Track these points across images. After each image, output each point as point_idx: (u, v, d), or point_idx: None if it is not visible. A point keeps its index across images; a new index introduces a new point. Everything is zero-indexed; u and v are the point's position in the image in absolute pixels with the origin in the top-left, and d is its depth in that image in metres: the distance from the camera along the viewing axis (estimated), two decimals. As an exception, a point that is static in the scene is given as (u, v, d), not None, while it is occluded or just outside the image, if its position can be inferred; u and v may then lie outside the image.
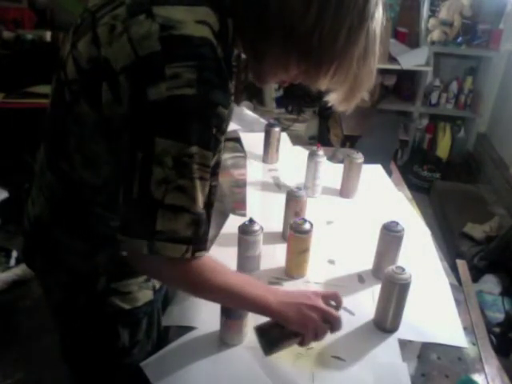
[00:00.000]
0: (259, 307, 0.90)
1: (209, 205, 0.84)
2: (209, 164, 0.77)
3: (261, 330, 0.92)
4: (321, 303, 0.92)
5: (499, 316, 2.14)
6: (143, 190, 0.74)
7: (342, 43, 0.76)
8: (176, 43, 0.72)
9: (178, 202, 0.75)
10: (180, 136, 0.73)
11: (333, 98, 0.88)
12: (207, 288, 0.85)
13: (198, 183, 0.76)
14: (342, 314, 0.94)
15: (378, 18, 0.79)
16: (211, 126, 0.75)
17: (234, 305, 0.96)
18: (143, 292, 0.99)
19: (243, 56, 0.91)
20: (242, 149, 1.92)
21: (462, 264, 1.44)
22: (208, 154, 0.76)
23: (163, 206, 0.74)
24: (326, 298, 0.95)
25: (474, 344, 1.11)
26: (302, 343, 0.93)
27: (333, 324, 0.92)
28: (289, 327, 0.90)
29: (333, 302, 0.96)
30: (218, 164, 0.88)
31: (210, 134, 0.76)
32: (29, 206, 0.99)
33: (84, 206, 0.89)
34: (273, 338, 0.91)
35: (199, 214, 0.78)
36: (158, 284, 1.02)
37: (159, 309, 1.09)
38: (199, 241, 0.79)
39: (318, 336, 0.92)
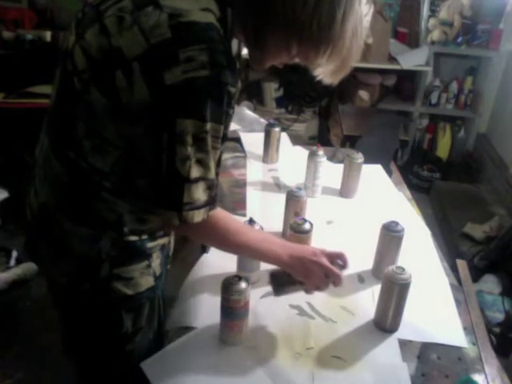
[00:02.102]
0: (271, 260, 1.04)
1: (218, 165, 0.94)
2: (220, 135, 0.86)
3: (273, 275, 1.06)
4: (324, 260, 1.03)
5: (499, 316, 2.14)
6: (170, 169, 0.83)
7: (337, 27, 0.85)
8: (185, 29, 0.77)
9: (198, 174, 0.85)
10: (197, 115, 0.80)
11: (321, 72, 0.96)
12: (227, 245, 1.01)
13: (211, 153, 0.86)
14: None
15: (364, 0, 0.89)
16: (223, 103, 0.82)
17: (249, 257, 1.15)
18: (145, 278, 1.02)
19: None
20: (242, 149, 1.92)
21: (461, 264, 1.44)
22: (220, 128, 0.85)
23: (188, 181, 0.85)
24: (332, 256, 1.05)
25: (474, 344, 1.11)
26: (306, 291, 1.06)
27: (334, 280, 1.03)
28: (295, 277, 1.03)
29: (340, 261, 1.06)
30: (225, 136, 0.94)
31: (222, 110, 0.83)
32: (31, 198, 1.01)
33: (90, 192, 0.92)
34: (282, 282, 1.04)
35: (213, 179, 0.89)
36: (158, 271, 1.05)
37: (160, 296, 1.12)
38: (214, 201, 0.92)
39: (319, 288, 1.04)
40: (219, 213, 0.96)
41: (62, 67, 0.90)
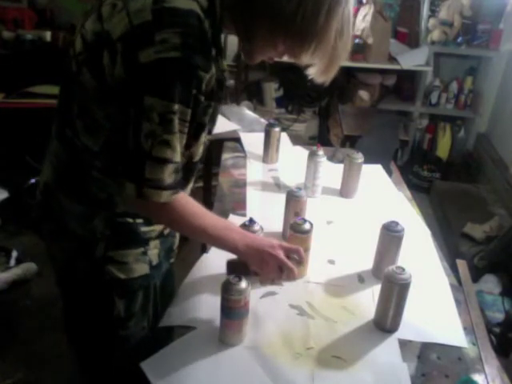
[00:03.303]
0: (227, 247, 1.06)
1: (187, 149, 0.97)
2: (187, 119, 0.89)
3: (229, 263, 1.12)
4: (280, 253, 1.07)
5: (499, 316, 2.14)
6: (135, 143, 0.86)
7: (322, 22, 0.88)
8: (166, 14, 0.82)
9: (163, 154, 0.87)
10: (165, 94, 0.83)
11: (313, 71, 1.00)
12: (185, 228, 1.01)
13: (178, 136, 0.88)
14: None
15: (352, 1, 0.92)
16: (192, 86, 0.86)
17: (207, 242, 1.15)
18: (139, 264, 1.05)
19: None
20: (242, 149, 1.92)
21: (461, 264, 1.44)
22: (187, 111, 0.88)
23: (150, 158, 0.87)
24: (288, 250, 1.10)
25: (474, 344, 1.11)
26: (260, 282, 1.13)
27: (287, 273, 1.08)
28: (250, 266, 1.07)
29: (296, 256, 1.10)
30: (201, 125, 0.98)
31: (191, 93, 0.86)
32: (40, 177, 1.09)
33: (83, 171, 0.98)
34: (237, 271, 1.05)
35: (179, 163, 0.91)
36: (155, 260, 1.08)
37: (156, 286, 1.14)
38: (178, 185, 0.93)
39: (273, 280, 1.09)
40: (180, 195, 0.96)
41: (68, 55, 0.98)
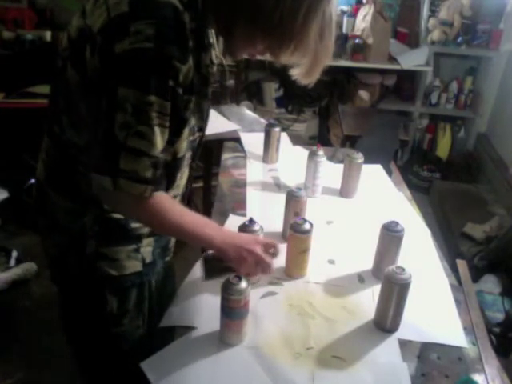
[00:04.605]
0: (205, 243, 1.07)
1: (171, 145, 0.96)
2: (167, 113, 0.87)
3: (206, 259, 1.15)
4: (258, 249, 1.09)
5: (499, 316, 2.14)
6: (108, 133, 0.85)
7: (300, 22, 0.87)
8: (141, 5, 0.83)
9: (138, 145, 0.86)
10: (139, 85, 0.83)
11: (296, 73, 1.00)
12: (162, 224, 0.99)
13: (157, 130, 0.87)
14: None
15: (334, 2, 0.91)
16: (167, 77, 0.85)
17: (184, 239, 1.08)
18: (131, 262, 1.06)
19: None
20: (242, 149, 1.92)
21: (461, 264, 1.44)
22: (166, 104, 0.86)
23: (125, 148, 0.86)
24: (266, 245, 1.13)
25: (474, 344, 1.11)
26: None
27: (263, 268, 1.11)
28: (227, 262, 1.09)
29: (271, 250, 1.14)
30: (183, 120, 0.96)
31: (167, 85, 0.85)
32: (36, 174, 1.10)
33: (71, 167, 0.99)
34: (213, 267, 1.11)
35: (158, 157, 0.89)
36: (148, 258, 1.10)
37: (152, 285, 1.14)
38: (157, 182, 0.92)
39: (250, 275, 1.09)
40: (159, 193, 0.95)
41: (56, 52, 0.99)
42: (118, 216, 1.02)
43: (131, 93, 0.83)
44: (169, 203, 0.99)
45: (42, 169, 1.06)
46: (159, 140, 0.88)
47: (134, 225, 1.04)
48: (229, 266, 1.10)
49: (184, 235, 1.04)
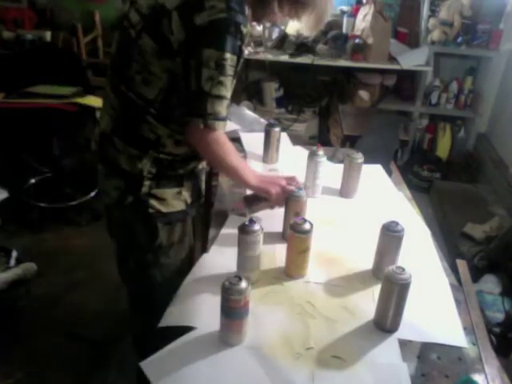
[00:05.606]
0: (242, 181, 1.36)
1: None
2: (235, 65, 1.15)
3: (246, 198, 1.44)
4: (283, 182, 1.40)
5: (499, 316, 2.14)
6: (197, 85, 1.13)
7: None
8: None
9: (221, 92, 1.14)
10: (218, 46, 1.10)
11: (301, 26, 1.29)
12: (225, 154, 1.26)
13: (230, 78, 1.15)
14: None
15: None
16: (237, 37, 1.12)
17: (227, 175, 1.53)
18: (177, 202, 1.31)
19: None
20: (242, 149, 1.92)
21: (461, 264, 1.44)
22: (235, 58, 1.14)
23: (211, 96, 1.13)
24: (288, 180, 1.43)
25: (474, 344, 1.11)
26: (271, 207, 1.41)
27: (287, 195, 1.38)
28: (261, 195, 1.39)
29: (294, 183, 1.41)
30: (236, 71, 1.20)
31: (236, 43, 1.12)
32: (95, 130, 1.34)
33: (138, 117, 1.22)
34: (252, 201, 1.42)
35: (229, 99, 1.18)
36: (189, 200, 1.34)
37: (190, 226, 1.41)
38: (227, 118, 1.20)
39: (278, 203, 1.39)
40: (228, 140, 1.26)
41: (120, 26, 1.22)
42: (169, 157, 1.25)
43: (213, 53, 1.09)
44: (228, 142, 1.26)
45: (109, 121, 1.27)
46: (231, 85, 1.16)
47: (181, 171, 1.30)
48: (263, 197, 1.39)
49: (230, 174, 1.39)
